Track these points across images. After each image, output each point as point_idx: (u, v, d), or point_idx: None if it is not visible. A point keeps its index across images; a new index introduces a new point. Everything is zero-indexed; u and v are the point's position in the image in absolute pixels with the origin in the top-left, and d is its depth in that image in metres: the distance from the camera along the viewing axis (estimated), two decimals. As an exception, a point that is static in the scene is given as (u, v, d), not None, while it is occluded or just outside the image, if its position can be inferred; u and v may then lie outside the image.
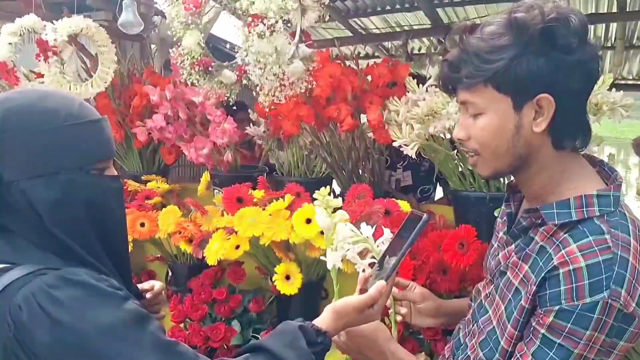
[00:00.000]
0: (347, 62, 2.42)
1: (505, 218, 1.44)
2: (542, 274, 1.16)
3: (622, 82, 6.47)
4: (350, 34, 5.44)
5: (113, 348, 1.05)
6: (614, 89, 1.84)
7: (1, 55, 2.55)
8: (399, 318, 1.63)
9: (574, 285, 1.11)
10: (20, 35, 2.54)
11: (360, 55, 6.26)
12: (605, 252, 1.11)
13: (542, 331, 1.15)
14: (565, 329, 1.12)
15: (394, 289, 1.57)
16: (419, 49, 6.21)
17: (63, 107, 1.15)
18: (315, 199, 1.51)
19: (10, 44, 2.52)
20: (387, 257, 1.37)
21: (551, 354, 1.14)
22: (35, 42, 2.49)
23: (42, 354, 1.04)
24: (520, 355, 1.18)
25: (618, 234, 1.13)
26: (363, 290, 1.36)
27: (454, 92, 1.27)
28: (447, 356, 1.51)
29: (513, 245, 1.32)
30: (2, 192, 1.11)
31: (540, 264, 1.19)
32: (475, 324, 1.39)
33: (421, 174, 3.39)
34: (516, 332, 1.22)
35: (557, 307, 1.13)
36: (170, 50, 2.12)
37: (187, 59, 1.94)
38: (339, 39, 5.08)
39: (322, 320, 1.29)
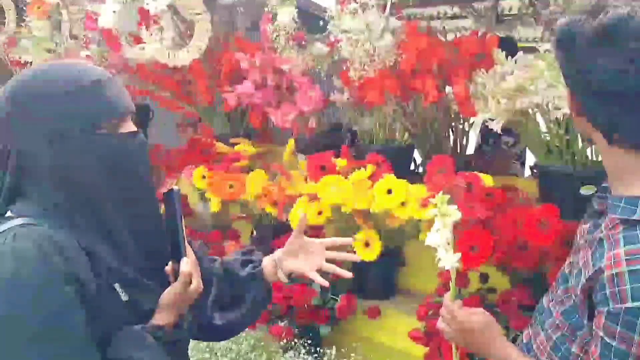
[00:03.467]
0: (433, 24, 2.39)
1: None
2: (594, 270, 1.19)
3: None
4: (438, -6, 5.32)
5: (31, 318, 1.07)
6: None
7: (106, 22, 2.67)
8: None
9: (616, 289, 1.13)
10: (124, 3, 2.64)
11: (447, 15, 6.13)
12: None
13: (601, 334, 1.17)
14: (617, 331, 1.14)
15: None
16: (509, 10, 6.01)
17: (62, 76, 1.19)
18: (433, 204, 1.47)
19: (114, 12, 2.63)
20: (170, 237, 1.35)
21: (612, 357, 1.15)
22: (137, 11, 2.59)
23: None
24: (593, 359, 1.20)
25: None
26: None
27: None
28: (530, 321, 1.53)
29: (588, 225, 1.33)
30: (19, 160, 1.17)
31: (597, 256, 1.21)
32: (558, 290, 1.40)
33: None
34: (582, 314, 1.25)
35: (605, 309, 1.15)
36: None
37: (282, 35, 1.99)
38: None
39: (158, 317, 1.28)
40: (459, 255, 1.43)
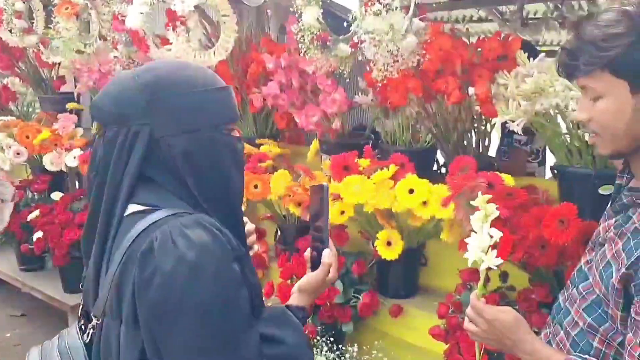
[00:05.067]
0: (458, 27, 2.40)
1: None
2: (632, 259, 1.19)
3: None
4: (464, -3, 5.31)
5: (214, 295, 1.16)
6: None
7: (134, 24, 2.69)
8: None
9: None
10: (151, 4, 2.66)
11: (473, 18, 6.11)
12: None
13: None
14: None
15: None
16: (535, 13, 5.98)
17: (201, 75, 1.31)
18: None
19: (141, 13, 2.65)
20: (314, 228, 1.45)
21: None
22: (165, 12, 2.62)
23: (154, 281, 1.16)
24: (630, 347, 1.19)
25: None
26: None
27: (575, 77, 1.31)
28: (547, 321, 1.54)
29: (613, 220, 1.34)
30: (152, 147, 1.26)
31: (632, 244, 1.21)
32: (574, 289, 1.41)
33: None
34: (612, 308, 1.24)
35: None
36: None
37: (307, 35, 2.02)
38: (451, 1, 4.99)
39: (298, 299, 1.40)
40: (494, 253, 1.41)
